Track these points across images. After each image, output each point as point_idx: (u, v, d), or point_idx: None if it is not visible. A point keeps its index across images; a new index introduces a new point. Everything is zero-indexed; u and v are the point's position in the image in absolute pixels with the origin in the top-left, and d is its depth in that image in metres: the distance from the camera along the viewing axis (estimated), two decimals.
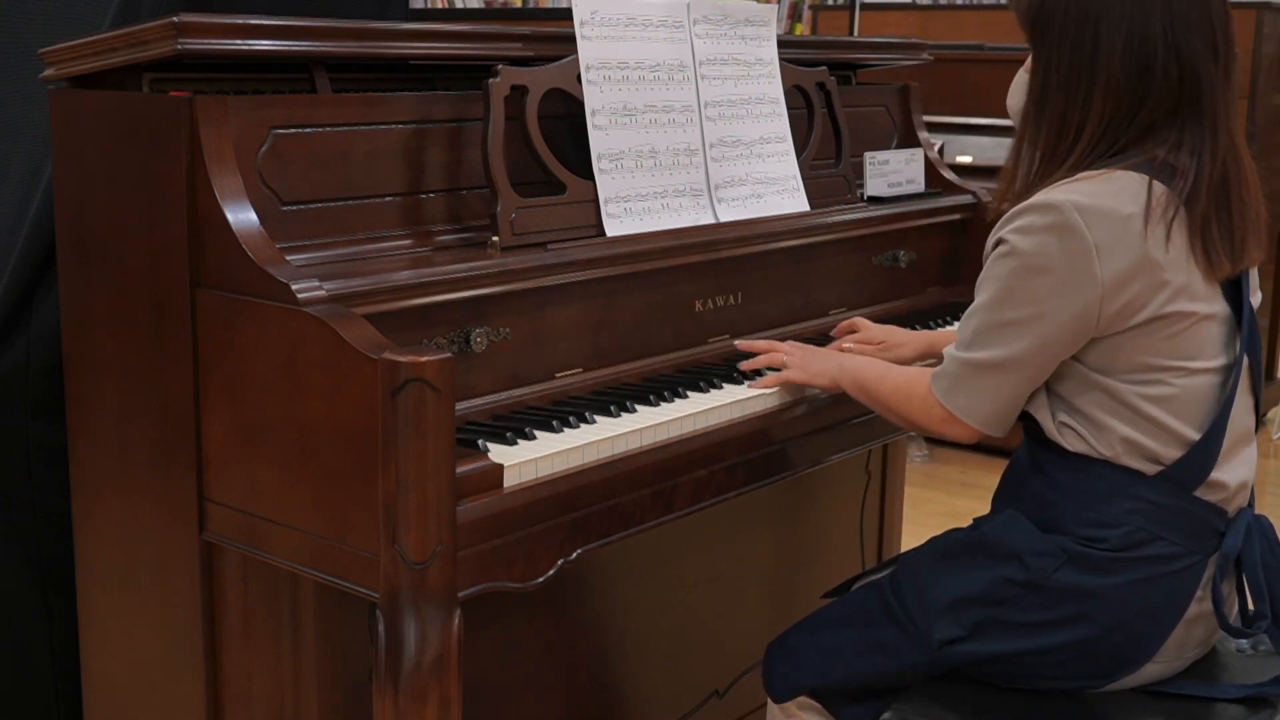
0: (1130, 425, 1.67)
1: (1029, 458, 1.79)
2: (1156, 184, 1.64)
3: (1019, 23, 1.76)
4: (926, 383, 1.77)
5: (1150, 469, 1.68)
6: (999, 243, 1.69)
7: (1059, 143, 1.71)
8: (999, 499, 1.85)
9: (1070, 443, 1.71)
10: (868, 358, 2.04)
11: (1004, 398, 1.71)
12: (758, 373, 2.02)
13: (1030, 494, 1.76)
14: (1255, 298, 1.77)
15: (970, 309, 1.73)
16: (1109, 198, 1.63)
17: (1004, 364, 1.69)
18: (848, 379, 1.94)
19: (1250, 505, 1.78)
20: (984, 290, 1.70)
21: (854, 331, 2.21)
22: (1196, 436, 1.68)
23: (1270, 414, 5.29)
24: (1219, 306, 1.69)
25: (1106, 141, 1.69)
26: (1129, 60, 1.66)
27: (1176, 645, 1.72)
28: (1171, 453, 1.68)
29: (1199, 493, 1.69)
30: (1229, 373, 1.70)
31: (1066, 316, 1.64)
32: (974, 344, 1.71)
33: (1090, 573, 1.67)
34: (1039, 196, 1.66)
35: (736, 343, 2.08)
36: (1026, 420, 1.78)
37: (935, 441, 4.86)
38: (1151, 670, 1.73)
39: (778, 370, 2.00)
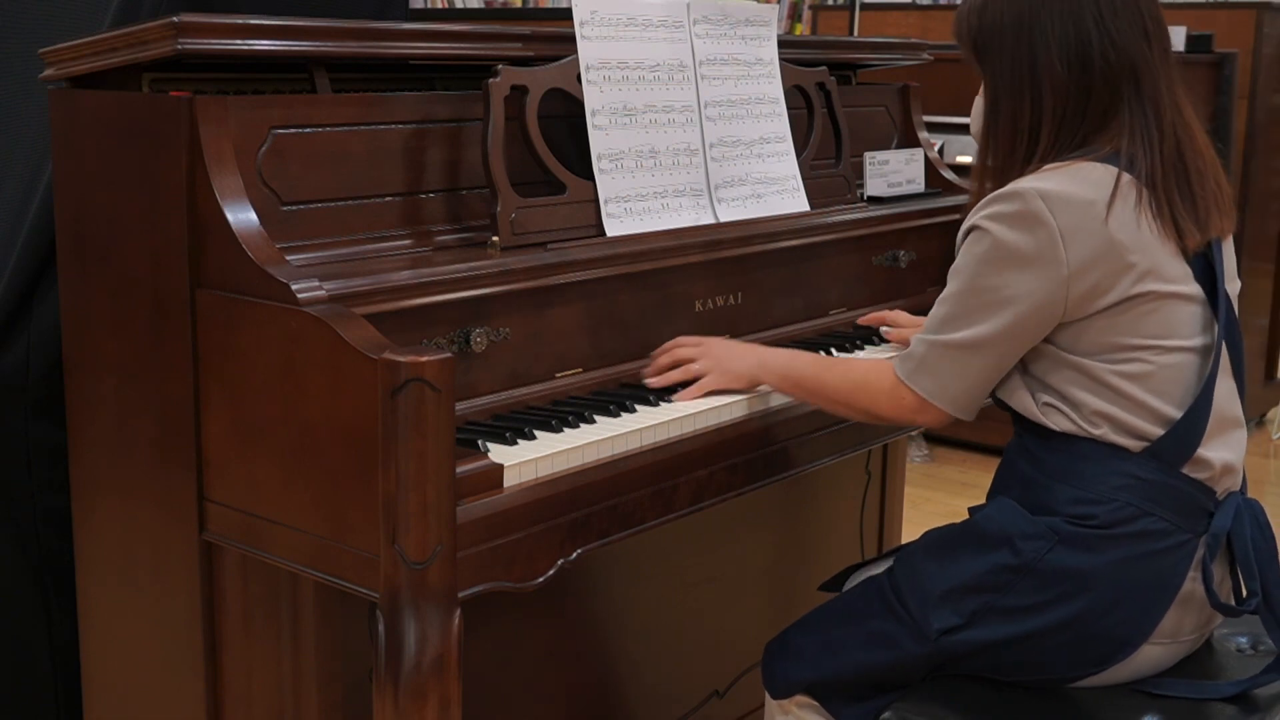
0: (1107, 401, 1.71)
1: (1017, 444, 1.82)
2: (1124, 174, 1.70)
3: (964, 53, 1.84)
4: (892, 373, 1.79)
5: (1135, 445, 1.71)
6: (969, 230, 1.74)
7: (1016, 146, 1.78)
8: (992, 490, 1.87)
9: (1056, 422, 1.74)
10: (793, 351, 1.99)
11: (972, 379, 1.75)
12: (673, 390, 1.90)
13: (1020, 478, 1.79)
14: (1234, 285, 1.81)
15: (941, 296, 1.77)
16: (1073, 185, 1.69)
17: (973, 344, 1.73)
18: (773, 376, 1.91)
19: (1242, 491, 1.80)
20: (955, 278, 1.75)
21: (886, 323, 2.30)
22: (1177, 414, 1.71)
23: (1270, 414, 5.29)
24: (1192, 288, 1.73)
25: (1065, 137, 1.76)
26: (1066, 56, 1.74)
27: (1172, 626, 1.73)
28: (1153, 429, 1.71)
29: (1185, 470, 1.72)
30: (1208, 354, 1.73)
31: (1035, 300, 1.69)
32: (943, 327, 1.75)
33: (1082, 552, 1.70)
34: (1006, 187, 1.72)
35: (644, 373, 1.95)
36: (1009, 409, 1.81)
37: (935, 441, 4.86)
38: (1149, 654, 1.74)
39: (694, 380, 1.91)
